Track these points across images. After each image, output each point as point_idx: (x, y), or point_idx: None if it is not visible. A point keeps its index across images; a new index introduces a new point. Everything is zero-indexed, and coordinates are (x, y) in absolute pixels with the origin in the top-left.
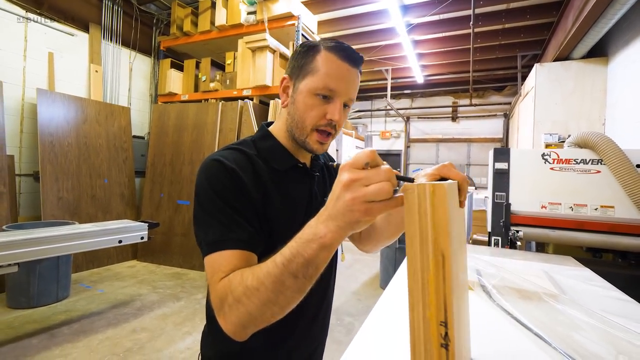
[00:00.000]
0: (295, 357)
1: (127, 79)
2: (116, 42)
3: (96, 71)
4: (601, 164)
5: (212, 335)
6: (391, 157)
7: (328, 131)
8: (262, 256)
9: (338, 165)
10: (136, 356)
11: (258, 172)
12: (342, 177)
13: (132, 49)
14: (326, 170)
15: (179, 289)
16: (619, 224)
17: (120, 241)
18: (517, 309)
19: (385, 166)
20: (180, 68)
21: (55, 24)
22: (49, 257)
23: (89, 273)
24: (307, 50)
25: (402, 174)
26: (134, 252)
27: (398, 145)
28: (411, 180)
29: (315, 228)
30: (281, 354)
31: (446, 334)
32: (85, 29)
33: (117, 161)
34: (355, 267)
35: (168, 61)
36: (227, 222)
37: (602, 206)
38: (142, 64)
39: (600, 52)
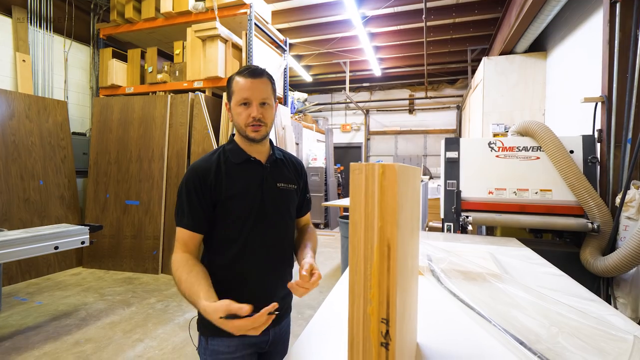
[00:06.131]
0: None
1: (63, 69)
2: (47, 28)
3: (23, 60)
4: (540, 150)
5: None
6: (352, 150)
7: (257, 124)
8: (227, 210)
9: None
10: None
11: (220, 167)
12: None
13: (67, 37)
14: (286, 161)
15: (130, 295)
16: (556, 206)
17: (56, 247)
18: (463, 291)
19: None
20: (123, 58)
21: None
22: None
23: (25, 284)
24: (229, 81)
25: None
26: (79, 258)
27: (359, 137)
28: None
29: (198, 305)
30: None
31: (387, 332)
32: (7, 12)
33: (54, 160)
34: (317, 259)
35: (109, 51)
36: (186, 210)
37: (541, 190)
38: (80, 53)
39: (540, 46)
